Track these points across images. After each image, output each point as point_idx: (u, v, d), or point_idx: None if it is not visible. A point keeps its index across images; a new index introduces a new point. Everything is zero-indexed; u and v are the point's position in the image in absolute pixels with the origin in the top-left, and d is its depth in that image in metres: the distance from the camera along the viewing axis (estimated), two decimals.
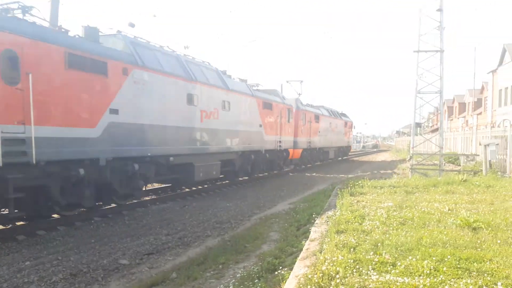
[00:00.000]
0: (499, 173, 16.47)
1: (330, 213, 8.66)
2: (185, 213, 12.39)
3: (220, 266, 7.56)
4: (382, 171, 25.68)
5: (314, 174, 26.28)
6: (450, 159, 25.40)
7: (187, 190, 16.51)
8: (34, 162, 8.69)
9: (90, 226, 10.58)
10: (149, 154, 12.23)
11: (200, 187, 16.82)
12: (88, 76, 10.11)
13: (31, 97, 8.60)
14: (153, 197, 14.86)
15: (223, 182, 18.95)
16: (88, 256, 8.17)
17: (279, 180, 22.10)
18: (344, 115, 41.09)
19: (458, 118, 57.09)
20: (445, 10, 24.14)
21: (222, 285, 6.53)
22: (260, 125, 20.08)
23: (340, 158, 40.64)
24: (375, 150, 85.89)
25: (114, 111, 10.88)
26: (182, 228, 10.53)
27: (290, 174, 26.35)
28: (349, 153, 47.00)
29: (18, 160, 8.54)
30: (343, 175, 23.38)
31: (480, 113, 46.11)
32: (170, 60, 13.72)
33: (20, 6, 9.38)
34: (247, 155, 19.24)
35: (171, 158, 13.29)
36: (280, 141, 22.82)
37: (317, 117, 30.70)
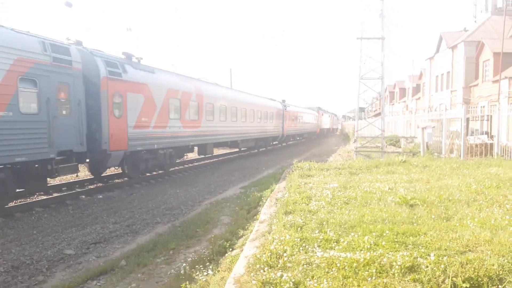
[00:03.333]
0: (435, 154, 17.59)
1: (279, 195, 8.86)
2: (133, 201, 12.15)
3: (171, 252, 7.55)
4: (329, 154, 26.55)
5: (265, 157, 26.64)
6: (392, 142, 26.73)
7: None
8: None
9: (31, 217, 10.10)
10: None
11: (148, 174, 16.48)
12: None
13: None
14: (98, 185, 14.36)
15: (172, 169, 18.67)
16: (30, 248, 7.84)
17: (230, 164, 22.19)
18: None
19: (399, 102, 59.88)
20: None
21: (173, 270, 6.55)
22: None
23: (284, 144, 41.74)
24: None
25: None
26: (130, 216, 10.33)
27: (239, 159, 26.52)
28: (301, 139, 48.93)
29: None
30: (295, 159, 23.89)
31: (419, 98, 48.64)
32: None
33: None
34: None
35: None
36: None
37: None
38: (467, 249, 4.71)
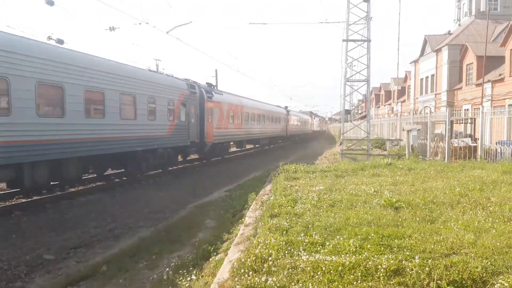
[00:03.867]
0: (420, 156, 17.74)
1: (264, 198, 8.79)
2: (116, 204, 11.94)
3: (154, 257, 7.39)
4: (316, 156, 26.60)
5: (252, 160, 26.59)
6: (377, 144, 26.91)
7: (116, 180, 15.87)
8: None
9: (10, 221, 9.83)
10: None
11: (131, 177, 16.25)
12: None
13: None
14: (79, 188, 14.08)
15: (155, 172, 18.49)
16: (8, 253, 7.61)
17: (217, 167, 22.06)
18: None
19: (385, 105, 60.50)
20: (373, 1, 25.18)
21: (155, 275, 6.40)
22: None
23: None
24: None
25: None
26: (112, 220, 10.13)
27: (226, 161, 26.42)
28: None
29: None
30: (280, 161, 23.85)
31: (404, 101, 49.20)
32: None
33: None
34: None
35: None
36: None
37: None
38: (451, 252, 4.70)
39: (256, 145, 36.28)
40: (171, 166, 19.34)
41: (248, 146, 35.28)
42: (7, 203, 11.44)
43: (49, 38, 12.93)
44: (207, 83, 23.97)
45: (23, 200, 11.69)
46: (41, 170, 11.14)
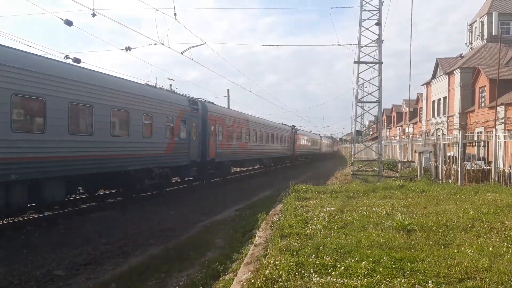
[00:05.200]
0: (432, 178, 17.52)
1: (275, 218, 8.74)
2: (126, 221, 11.96)
3: (163, 275, 7.36)
4: (326, 176, 26.45)
5: (263, 178, 26.53)
6: (389, 166, 26.69)
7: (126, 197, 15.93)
8: None
9: (21, 236, 9.91)
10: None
11: (142, 194, 16.30)
12: None
13: None
14: (91, 204, 14.16)
15: (167, 190, 18.53)
16: (19, 268, 7.65)
17: (226, 187, 22.04)
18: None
19: (396, 127, 60.25)
20: (384, 24, 25.45)
21: None
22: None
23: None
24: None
25: None
26: (122, 237, 10.14)
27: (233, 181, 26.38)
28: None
29: None
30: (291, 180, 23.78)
31: (416, 123, 48.97)
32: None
33: None
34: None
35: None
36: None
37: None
38: (466, 277, 4.61)
39: (262, 165, 35.14)
40: (168, 187, 18.26)
41: (256, 166, 34.64)
42: (19, 218, 11.54)
43: (67, 56, 13.27)
44: (206, 100, 22.51)
45: (35, 216, 11.79)
46: (16, 190, 9.89)
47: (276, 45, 23.47)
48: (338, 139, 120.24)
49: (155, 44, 17.43)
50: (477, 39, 39.80)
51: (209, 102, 22.36)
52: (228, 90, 40.20)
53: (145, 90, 15.40)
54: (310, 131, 67.24)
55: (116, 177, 13.95)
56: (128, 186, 14.92)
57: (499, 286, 4.23)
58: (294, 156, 43.91)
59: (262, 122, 32.24)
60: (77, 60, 12.95)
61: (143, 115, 14.76)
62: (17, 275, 7.28)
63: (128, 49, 17.08)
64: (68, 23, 12.58)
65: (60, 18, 12.53)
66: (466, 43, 42.18)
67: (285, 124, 42.68)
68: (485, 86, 31.07)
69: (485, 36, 38.39)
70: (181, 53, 19.60)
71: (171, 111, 16.92)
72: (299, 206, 9.74)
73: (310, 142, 54.42)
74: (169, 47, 17.99)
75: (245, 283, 4.60)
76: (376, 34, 20.65)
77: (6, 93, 9.33)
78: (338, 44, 21.63)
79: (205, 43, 20.33)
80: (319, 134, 68.62)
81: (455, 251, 5.61)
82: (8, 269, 7.53)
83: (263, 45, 23.74)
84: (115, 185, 15.03)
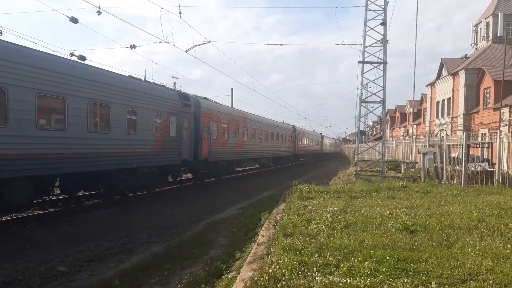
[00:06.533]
0: (436, 180, 17.48)
1: (278, 217, 8.75)
2: (130, 219, 12.00)
3: (166, 273, 7.38)
4: (329, 176, 26.43)
5: (265, 178, 26.54)
6: (392, 166, 26.63)
7: (131, 195, 15.96)
8: None
9: (25, 232, 9.96)
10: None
11: (145, 192, 16.35)
12: None
13: None
14: (95, 201, 14.21)
15: (170, 187, 18.60)
16: (23, 263, 7.69)
17: (229, 185, 22.07)
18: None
19: (400, 127, 60.10)
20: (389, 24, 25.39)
21: None
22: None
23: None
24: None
25: None
26: (126, 234, 10.18)
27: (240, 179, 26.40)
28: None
29: None
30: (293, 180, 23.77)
31: (420, 123, 48.83)
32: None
33: None
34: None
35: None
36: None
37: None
38: (469, 278, 4.61)
39: (261, 165, 34.67)
40: (156, 188, 17.16)
41: (255, 166, 34.14)
42: (23, 214, 11.61)
43: (72, 54, 13.31)
44: (203, 97, 21.76)
45: (39, 212, 11.85)
46: None
47: (280, 44, 23.57)
48: (341, 139, 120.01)
49: (160, 42, 17.47)
50: (482, 40, 39.63)
51: (204, 98, 21.37)
52: (232, 89, 40.37)
53: (130, 83, 14.33)
54: (314, 130, 66.54)
55: (94, 177, 13.05)
56: (109, 187, 13.92)
57: None
58: (295, 155, 43.33)
59: (261, 120, 31.28)
60: (83, 58, 12.99)
61: (127, 110, 13.77)
62: (21, 270, 7.33)
63: (133, 47, 17.13)
64: (74, 20, 12.62)
65: (66, 16, 12.60)
66: (471, 44, 41.99)
67: (286, 123, 41.82)
68: (490, 87, 30.94)
69: (490, 37, 38.22)
70: (186, 51, 19.65)
71: (159, 106, 15.82)
72: (302, 205, 9.75)
73: (312, 141, 53.73)
74: (174, 45, 18.04)
75: (248, 282, 4.62)
76: (381, 34, 20.62)
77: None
78: (343, 44, 21.68)
79: (209, 41, 20.38)
80: (321, 134, 67.51)
81: (458, 252, 5.60)
82: (12, 265, 7.59)
83: (268, 44, 23.81)
84: (95, 186, 13.95)
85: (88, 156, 11.96)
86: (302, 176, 27.60)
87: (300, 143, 45.76)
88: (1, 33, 9.98)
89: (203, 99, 21.08)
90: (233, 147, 24.24)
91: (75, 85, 11.45)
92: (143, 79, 16.53)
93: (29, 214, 11.61)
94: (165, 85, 18.32)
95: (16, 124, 9.59)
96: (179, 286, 6.39)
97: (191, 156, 18.82)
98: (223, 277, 6.29)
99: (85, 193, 14.69)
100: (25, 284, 6.81)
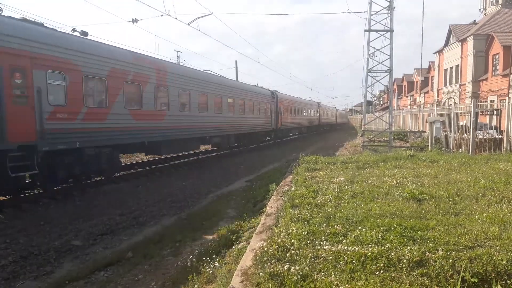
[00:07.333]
0: (443, 148, 17.42)
1: (285, 188, 8.84)
2: (139, 193, 12.20)
3: (177, 244, 7.56)
4: (336, 146, 26.45)
5: (270, 151, 26.64)
6: (399, 136, 26.52)
7: (140, 169, 16.18)
8: None
9: (38, 208, 10.19)
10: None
11: (154, 166, 16.53)
12: None
13: None
14: (103, 177, 14.39)
15: (178, 162, 18.79)
16: (38, 238, 7.90)
17: (235, 158, 22.21)
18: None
19: (407, 96, 59.45)
20: None
21: (179, 262, 6.55)
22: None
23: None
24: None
25: None
26: (136, 208, 10.37)
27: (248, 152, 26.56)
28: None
29: None
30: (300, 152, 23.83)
31: (427, 92, 48.26)
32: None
33: None
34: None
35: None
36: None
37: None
38: (476, 244, 4.66)
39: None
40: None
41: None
42: (35, 191, 11.81)
43: (74, 30, 13.19)
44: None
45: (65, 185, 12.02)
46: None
47: (284, 14, 23.04)
48: (348, 110, 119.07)
49: (162, 15, 17.22)
50: (491, 5, 38.53)
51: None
52: (236, 62, 39.90)
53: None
54: (310, 98, 56.90)
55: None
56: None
57: (509, 253, 4.27)
58: (278, 131, 33.81)
59: (204, 78, 19.32)
60: (85, 33, 12.87)
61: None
62: (36, 245, 7.54)
63: (134, 20, 16.93)
64: None
65: None
66: (480, 9, 40.90)
67: (260, 87, 32.02)
68: (498, 53, 30.32)
69: (500, 1, 37.12)
70: (188, 24, 19.37)
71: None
72: (309, 177, 9.80)
73: (303, 111, 43.54)
74: (176, 18, 17.79)
75: (258, 251, 4.71)
76: (387, 0, 20.09)
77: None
78: (348, 12, 21.16)
79: (212, 13, 20.02)
80: (318, 103, 56.20)
81: (466, 219, 5.65)
82: (27, 240, 7.80)
83: (271, 14, 23.34)
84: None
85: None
86: (309, 148, 27.63)
87: (287, 114, 36.42)
88: (1, 10, 9.91)
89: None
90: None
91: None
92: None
93: (40, 191, 11.78)
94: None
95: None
96: (191, 256, 6.55)
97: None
98: (233, 247, 6.43)
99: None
100: (41, 258, 7.02)
